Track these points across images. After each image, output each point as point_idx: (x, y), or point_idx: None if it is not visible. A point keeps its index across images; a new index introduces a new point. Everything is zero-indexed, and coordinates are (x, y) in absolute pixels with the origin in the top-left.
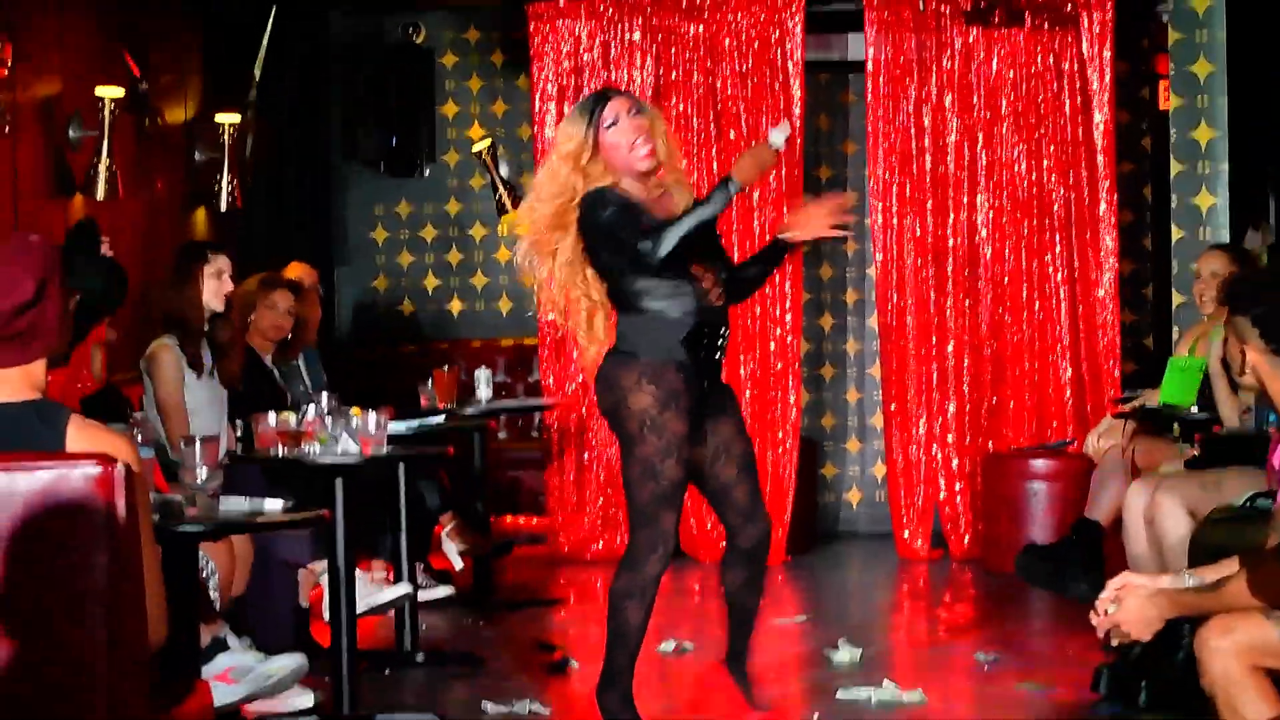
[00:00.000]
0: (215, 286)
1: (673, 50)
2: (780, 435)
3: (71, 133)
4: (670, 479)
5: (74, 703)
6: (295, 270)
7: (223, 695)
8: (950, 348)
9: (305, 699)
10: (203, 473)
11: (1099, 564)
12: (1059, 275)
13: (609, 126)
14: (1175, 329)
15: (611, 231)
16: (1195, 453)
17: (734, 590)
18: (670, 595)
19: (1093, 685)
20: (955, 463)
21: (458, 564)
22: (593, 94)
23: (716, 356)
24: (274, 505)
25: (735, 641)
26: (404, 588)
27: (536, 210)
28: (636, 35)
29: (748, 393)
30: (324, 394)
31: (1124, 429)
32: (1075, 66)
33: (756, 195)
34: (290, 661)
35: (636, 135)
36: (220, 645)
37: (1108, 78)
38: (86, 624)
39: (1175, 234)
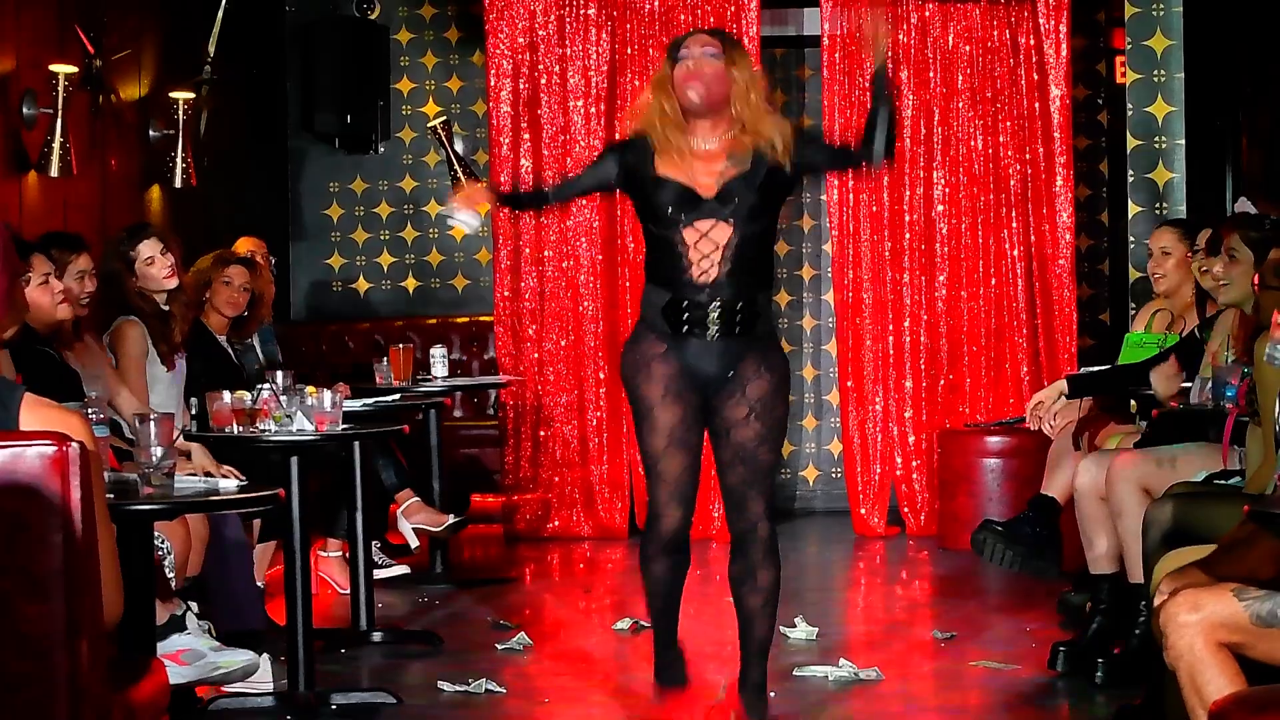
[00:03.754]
0: (151, 272)
1: (628, 25)
2: None
3: (25, 110)
4: (647, 450)
5: (32, 682)
6: (245, 244)
7: (170, 676)
8: (907, 324)
9: (265, 680)
10: (157, 451)
11: (1054, 540)
12: (1015, 251)
13: (678, 60)
14: (1132, 304)
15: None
16: (1146, 430)
17: (733, 586)
18: (628, 572)
19: (1050, 663)
20: (912, 439)
21: (413, 542)
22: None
23: (709, 335)
24: (229, 484)
25: (742, 656)
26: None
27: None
28: (592, 10)
29: None
30: (279, 372)
31: (1079, 405)
32: (1032, 41)
33: None
34: (242, 657)
35: (689, 74)
36: (177, 624)
37: (1064, 52)
38: (43, 604)
39: (1132, 209)
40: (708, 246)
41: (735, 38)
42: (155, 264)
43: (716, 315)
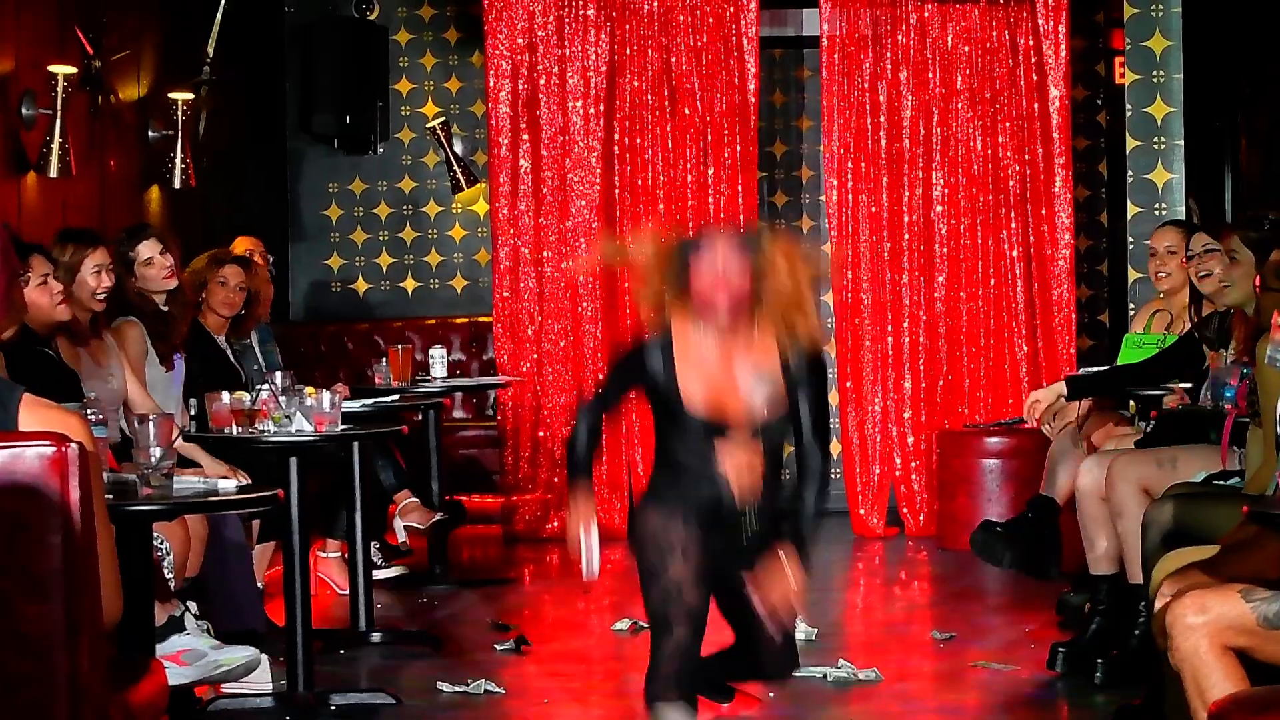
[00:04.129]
0: (150, 273)
1: (627, 26)
2: None
3: (25, 110)
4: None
5: (32, 682)
6: (242, 244)
7: (171, 676)
8: (906, 325)
9: (264, 680)
10: (156, 452)
11: (1055, 541)
12: (1014, 251)
13: (702, 254)
14: (1131, 305)
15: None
16: (1146, 430)
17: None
18: (625, 573)
19: (1049, 663)
20: (911, 440)
21: (402, 537)
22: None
23: (744, 539)
24: (228, 485)
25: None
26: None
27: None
28: (591, 11)
29: None
30: (278, 372)
31: (1078, 406)
32: (1031, 42)
33: (711, 172)
34: (243, 654)
35: (718, 280)
36: (176, 625)
37: (1063, 53)
38: (43, 604)
39: (1131, 210)
40: (747, 478)
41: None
42: (154, 265)
43: (751, 521)
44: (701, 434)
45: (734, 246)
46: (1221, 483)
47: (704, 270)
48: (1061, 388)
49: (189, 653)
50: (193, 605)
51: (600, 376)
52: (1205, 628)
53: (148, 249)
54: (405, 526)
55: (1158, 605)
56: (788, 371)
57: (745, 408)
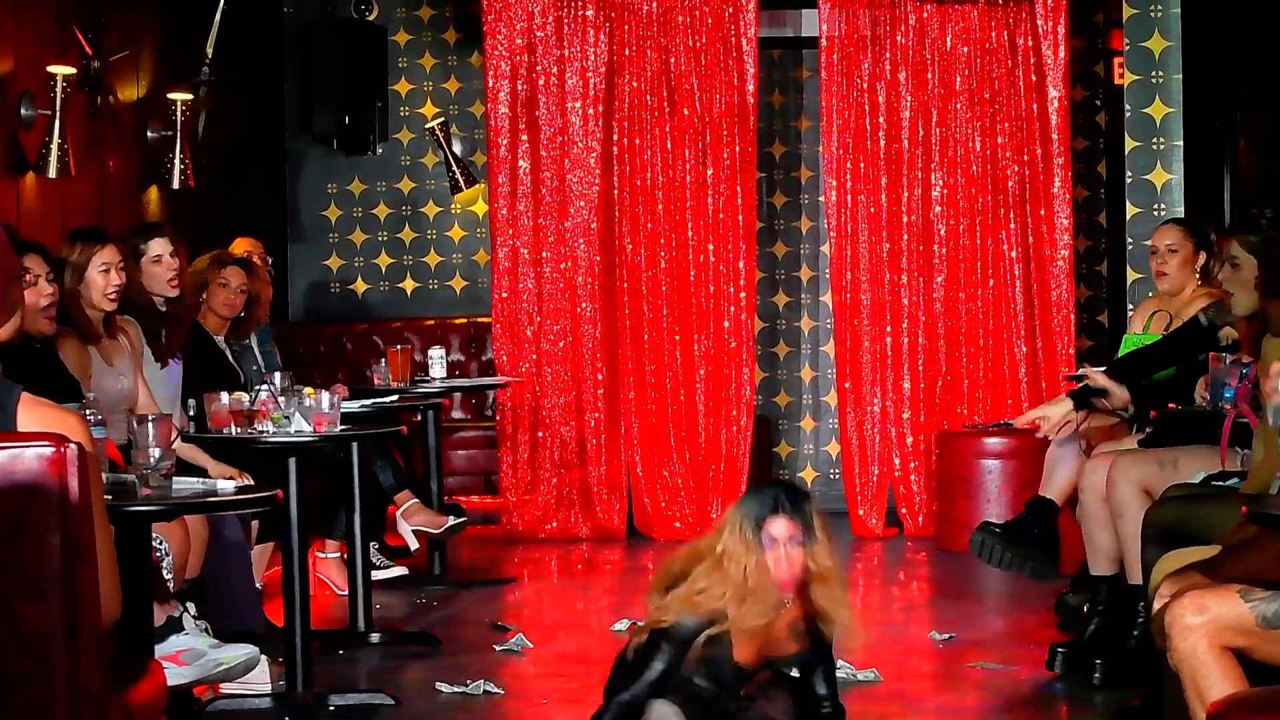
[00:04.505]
0: (157, 271)
1: (626, 27)
2: (734, 413)
3: (23, 111)
4: None
5: (31, 682)
6: (242, 245)
7: (171, 677)
8: (905, 325)
9: (263, 681)
10: (155, 453)
11: (1054, 542)
12: (1013, 252)
13: (764, 544)
14: (1130, 305)
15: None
16: (1148, 430)
17: None
18: (624, 574)
19: (1048, 664)
20: (910, 440)
21: (413, 544)
22: (770, 495)
23: None
24: (227, 485)
25: None
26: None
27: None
28: (590, 12)
29: (701, 370)
30: (277, 373)
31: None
32: (1029, 42)
33: (710, 173)
34: (242, 652)
35: (786, 574)
36: (175, 625)
37: (1062, 53)
38: (42, 604)
39: (1130, 210)
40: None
41: (810, 511)
42: (162, 263)
43: None
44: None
45: (794, 532)
46: (1220, 483)
47: (775, 559)
48: (1068, 403)
49: (188, 652)
50: (191, 606)
51: (599, 378)
52: (1204, 628)
53: (159, 246)
54: (415, 531)
55: (1156, 605)
56: (812, 645)
57: (776, 652)
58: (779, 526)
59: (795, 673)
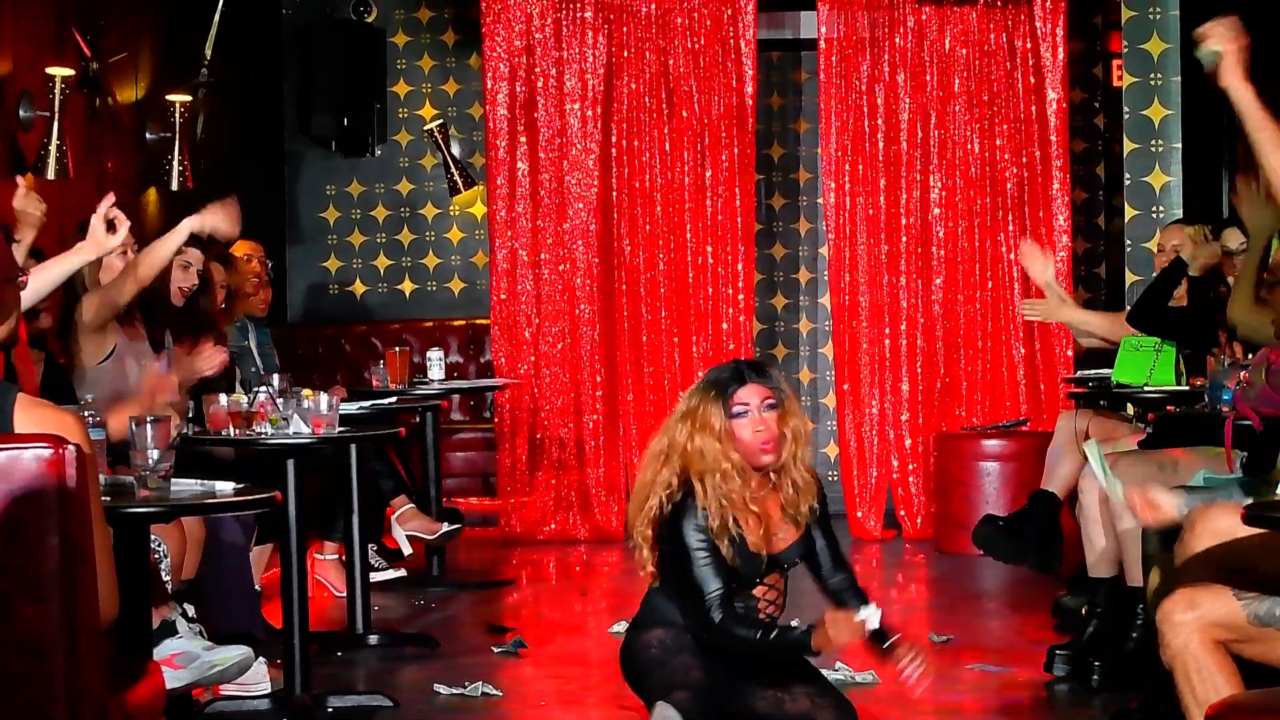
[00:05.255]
0: (180, 278)
1: (625, 29)
2: None
3: (22, 112)
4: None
5: (29, 683)
6: (242, 248)
7: (166, 680)
8: (903, 327)
9: (263, 682)
10: (154, 454)
11: (1056, 535)
12: (1012, 254)
13: (738, 415)
14: (1128, 307)
15: (691, 570)
16: (1149, 431)
17: None
18: (622, 576)
19: (1046, 666)
20: (908, 443)
21: (407, 549)
22: (730, 372)
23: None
24: (225, 487)
25: None
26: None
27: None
28: (588, 13)
29: (700, 372)
30: (275, 375)
31: (1075, 407)
32: (1028, 44)
33: (709, 175)
34: (236, 653)
35: (764, 433)
36: (169, 629)
37: (1060, 55)
38: (40, 605)
39: (1129, 213)
40: (773, 595)
41: (779, 379)
42: (189, 271)
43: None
44: (748, 575)
45: (766, 396)
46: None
47: (745, 427)
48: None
49: (182, 655)
50: (189, 608)
51: (597, 379)
52: (1195, 623)
53: (193, 255)
54: (409, 536)
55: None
56: (808, 512)
57: (780, 549)
58: (749, 392)
59: (797, 561)
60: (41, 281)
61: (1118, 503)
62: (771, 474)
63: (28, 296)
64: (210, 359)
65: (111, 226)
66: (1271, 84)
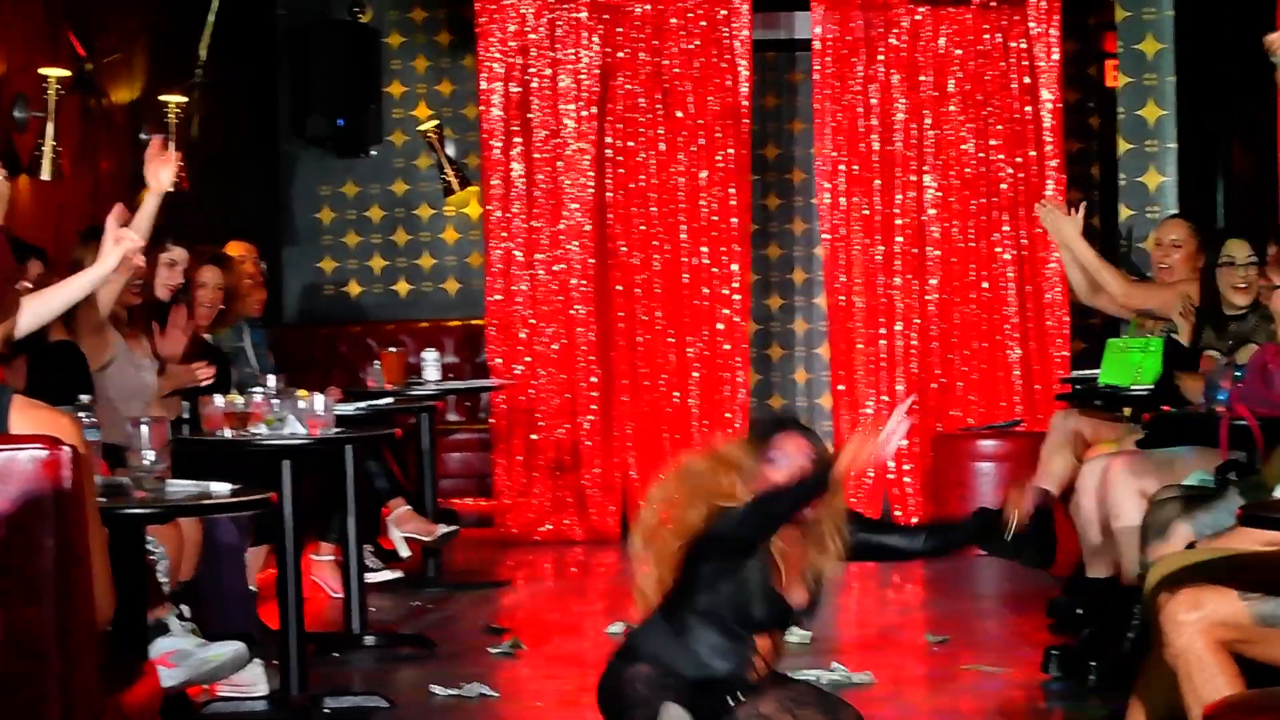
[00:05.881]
0: (166, 275)
1: (619, 29)
2: (728, 417)
3: (17, 113)
4: None
5: (26, 684)
6: (236, 249)
7: (161, 679)
8: (899, 328)
9: (260, 683)
10: (149, 455)
11: (1049, 531)
12: (1007, 255)
13: (773, 461)
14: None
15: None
16: (1144, 432)
17: None
18: (618, 577)
19: (1043, 666)
20: (904, 443)
21: (404, 550)
22: (773, 419)
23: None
24: (221, 488)
25: None
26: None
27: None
28: (583, 14)
29: (695, 373)
30: (271, 376)
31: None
32: (1023, 44)
33: (703, 175)
34: (229, 649)
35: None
36: (160, 629)
37: (1055, 56)
38: (36, 607)
39: (1123, 213)
40: (767, 650)
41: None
42: (174, 269)
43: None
44: (751, 632)
45: (808, 452)
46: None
47: (781, 472)
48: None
49: (175, 653)
50: (185, 608)
51: (592, 380)
52: (1199, 624)
53: (179, 254)
54: (406, 538)
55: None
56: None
57: (795, 599)
58: (791, 442)
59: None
60: (43, 307)
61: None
62: (801, 533)
63: (24, 325)
64: (202, 374)
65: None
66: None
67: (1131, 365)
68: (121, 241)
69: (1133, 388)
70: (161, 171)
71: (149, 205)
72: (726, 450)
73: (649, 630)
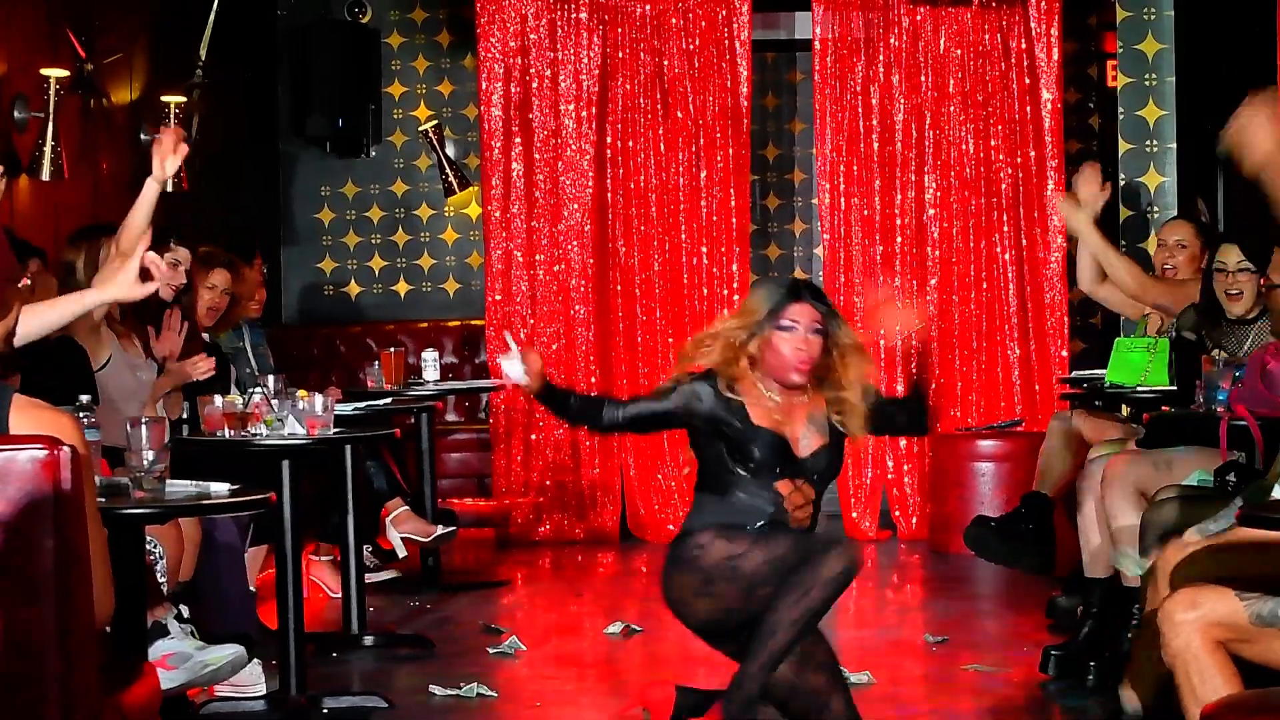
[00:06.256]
0: (169, 275)
1: (619, 29)
2: None
3: (17, 114)
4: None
5: (24, 685)
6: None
7: (160, 681)
8: (898, 328)
9: (259, 683)
10: (149, 455)
11: (1048, 536)
12: (1007, 255)
13: (783, 329)
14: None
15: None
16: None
17: None
18: (618, 577)
19: (1041, 666)
20: (903, 443)
21: (402, 551)
22: (790, 283)
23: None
24: (220, 488)
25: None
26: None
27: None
28: (583, 14)
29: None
30: (270, 376)
31: (1070, 408)
32: (1023, 45)
33: (703, 175)
34: (228, 652)
35: (803, 353)
36: (160, 631)
37: (1055, 56)
38: (35, 608)
39: (1123, 213)
40: (799, 499)
41: (831, 302)
42: (178, 269)
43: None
44: (767, 473)
45: (816, 321)
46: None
47: (787, 342)
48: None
49: (174, 656)
50: (183, 609)
51: (592, 380)
52: (1196, 623)
53: (182, 255)
54: (404, 538)
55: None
56: (842, 435)
57: (808, 452)
58: (800, 311)
59: (826, 471)
60: (37, 324)
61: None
62: (803, 389)
63: (23, 334)
64: (201, 366)
65: (146, 274)
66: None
67: (1138, 365)
68: (145, 285)
69: (1139, 388)
70: (169, 161)
71: (149, 193)
72: (740, 317)
73: (695, 510)
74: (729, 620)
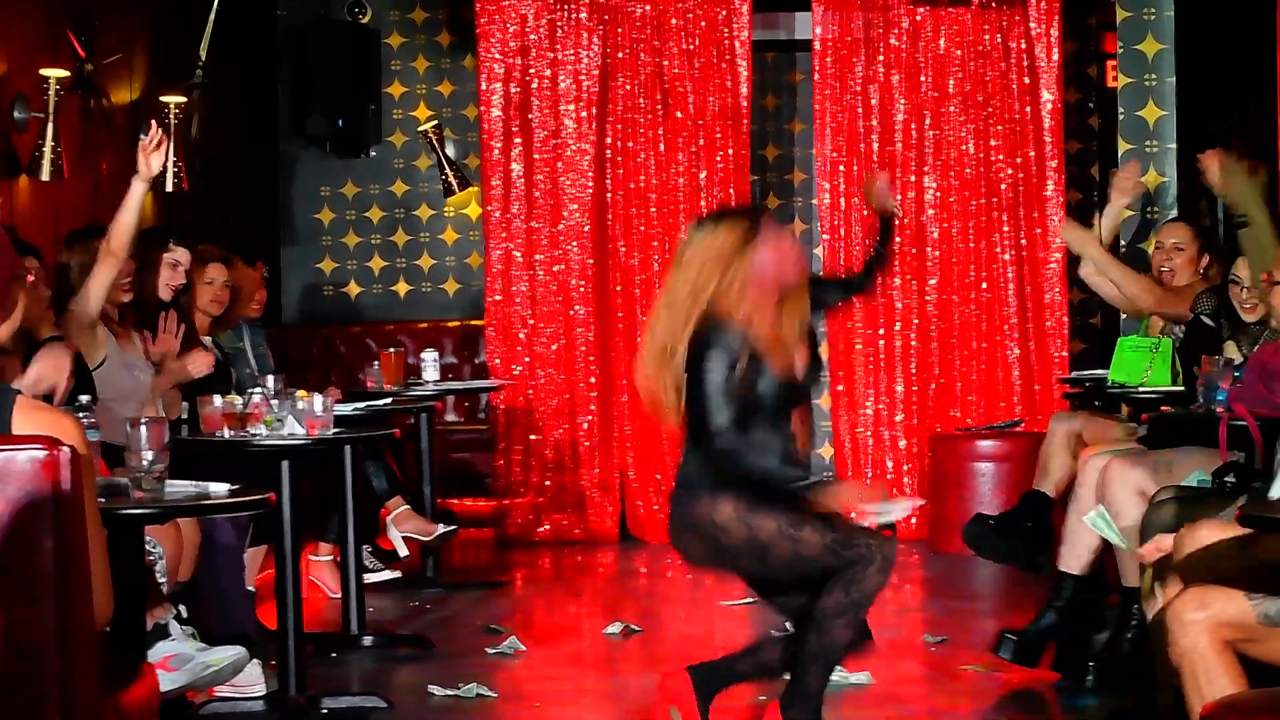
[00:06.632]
0: (169, 276)
1: (619, 30)
2: None
3: (17, 114)
4: (809, 528)
5: (24, 685)
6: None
7: (161, 683)
8: (897, 328)
9: (258, 683)
10: (148, 455)
11: (1047, 535)
12: (1007, 255)
13: (766, 242)
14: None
15: (707, 397)
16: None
17: None
18: (617, 577)
19: (994, 648)
20: (903, 444)
21: (403, 550)
22: (744, 210)
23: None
24: (219, 488)
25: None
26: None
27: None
28: (583, 15)
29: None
30: (270, 376)
31: (1071, 408)
32: (1023, 45)
33: (703, 175)
34: (230, 653)
35: (791, 257)
36: (160, 632)
37: (1055, 56)
38: (35, 608)
39: (1123, 213)
40: (802, 431)
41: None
42: (177, 270)
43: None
44: (778, 403)
45: (786, 230)
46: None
47: (773, 256)
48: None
49: (175, 657)
50: (183, 609)
51: (591, 380)
52: (1205, 623)
53: (183, 255)
54: (405, 537)
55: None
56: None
57: (800, 372)
58: (766, 223)
59: (813, 382)
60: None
61: (1130, 553)
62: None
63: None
64: (199, 363)
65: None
66: (1265, 86)
67: (1141, 365)
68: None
69: (1141, 387)
70: (153, 158)
71: (136, 191)
72: (726, 248)
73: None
74: (737, 571)
